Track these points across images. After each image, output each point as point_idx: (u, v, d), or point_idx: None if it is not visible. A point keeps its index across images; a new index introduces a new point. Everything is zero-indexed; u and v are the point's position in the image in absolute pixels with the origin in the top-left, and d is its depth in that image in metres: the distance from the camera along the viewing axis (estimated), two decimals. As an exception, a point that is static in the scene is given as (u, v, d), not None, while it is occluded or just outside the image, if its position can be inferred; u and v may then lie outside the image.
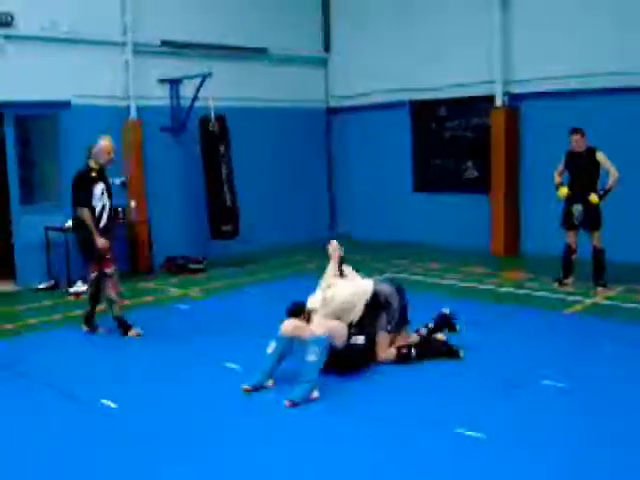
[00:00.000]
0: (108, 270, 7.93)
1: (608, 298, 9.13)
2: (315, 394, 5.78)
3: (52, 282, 10.98)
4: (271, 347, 6.12)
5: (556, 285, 9.90)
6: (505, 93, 12.23)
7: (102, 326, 8.25)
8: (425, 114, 13.84)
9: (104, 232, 7.82)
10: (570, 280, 9.92)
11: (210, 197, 12.27)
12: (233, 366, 6.75)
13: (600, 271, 9.64)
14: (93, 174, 7.82)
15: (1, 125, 11.05)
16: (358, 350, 6.36)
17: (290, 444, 5.00)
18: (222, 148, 12.04)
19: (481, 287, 10.17)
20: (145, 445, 5.08)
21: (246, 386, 5.99)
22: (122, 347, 7.69)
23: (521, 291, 9.83)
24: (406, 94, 13.78)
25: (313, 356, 5.80)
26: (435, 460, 4.68)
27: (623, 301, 8.94)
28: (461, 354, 6.76)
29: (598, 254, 9.60)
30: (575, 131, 9.53)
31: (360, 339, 6.37)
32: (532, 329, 7.81)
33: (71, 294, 10.44)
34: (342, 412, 5.59)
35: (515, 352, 6.98)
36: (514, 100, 12.32)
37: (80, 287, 10.55)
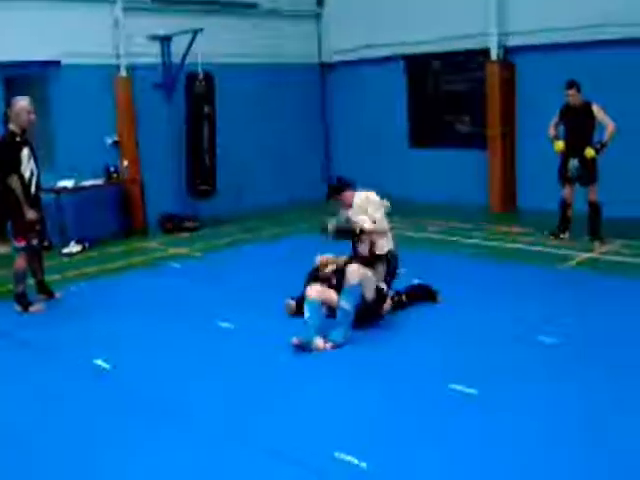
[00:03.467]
0: (35, 242, 7.60)
1: (605, 253, 9.09)
2: (325, 345, 5.92)
3: (46, 243, 10.87)
4: (307, 314, 6.13)
5: (552, 239, 9.86)
6: (500, 46, 12.03)
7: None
8: (420, 68, 13.66)
9: (33, 203, 7.44)
10: (566, 235, 9.88)
11: (190, 156, 12.20)
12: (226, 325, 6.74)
13: (596, 225, 9.59)
14: (17, 138, 7.37)
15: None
16: (382, 297, 6.44)
17: (286, 396, 5.05)
18: (207, 107, 11.89)
19: (475, 242, 10.13)
20: (138, 404, 5.08)
21: (295, 340, 5.92)
22: (111, 310, 7.49)
23: (516, 245, 9.79)
24: (401, 48, 13.54)
25: (346, 303, 6.03)
26: (427, 416, 4.69)
27: (620, 256, 8.89)
28: (439, 298, 6.86)
29: (594, 208, 9.55)
30: (570, 85, 9.40)
31: (383, 285, 6.45)
32: (526, 284, 7.78)
33: (65, 254, 10.38)
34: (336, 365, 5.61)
35: (508, 307, 6.95)
36: (510, 53, 12.12)
37: (74, 247, 10.52)
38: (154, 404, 5.08)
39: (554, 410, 4.67)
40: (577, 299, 7.17)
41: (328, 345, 5.95)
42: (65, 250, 10.50)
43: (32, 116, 7.50)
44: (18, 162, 7.32)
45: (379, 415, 4.75)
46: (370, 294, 6.27)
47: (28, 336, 6.77)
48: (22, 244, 7.46)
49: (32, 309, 7.59)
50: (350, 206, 6.99)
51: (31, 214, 7.36)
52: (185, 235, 11.62)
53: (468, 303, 7.07)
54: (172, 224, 12.01)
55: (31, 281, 7.94)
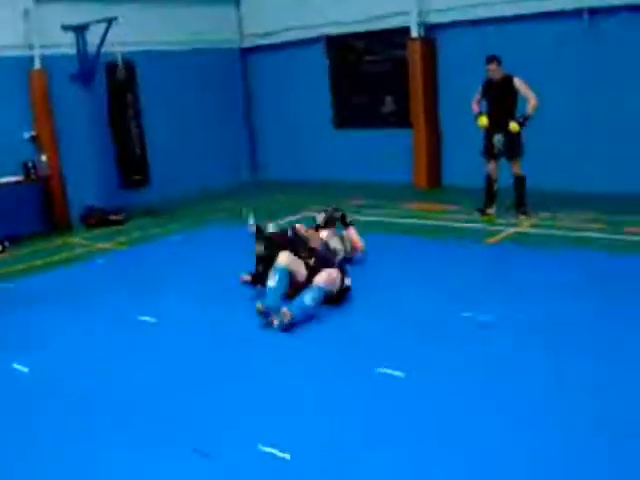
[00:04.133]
0: None
1: (532, 226, 9.14)
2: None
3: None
4: (273, 279, 6.24)
5: (478, 215, 9.89)
6: (420, 24, 11.98)
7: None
8: (342, 49, 13.53)
9: None
10: (492, 210, 9.91)
11: (118, 147, 11.91)
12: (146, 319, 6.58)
13: (521, 199, 9.65)
14: None
15: None
16: (347, 290, 6.57)
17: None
18: (129, 96, 11.62)
19: (400, 220, 10.12)
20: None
21: (259, 304, 6.01)
22: (28, 311, 7.17)
23: (442, 222, 9.77)
24: (322, 29, 13.45)
25: (310, 301, 6.10)
26: (355, 399, 4.63)
27: (546, 228, 8.94)
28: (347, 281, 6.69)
29: (519, 181, 9.60)
30: (490, 59, 9.40)
31: (348, 281, 6.57)
32: (451, 261, 7.75)
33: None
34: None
35: (432, 286, 6.90)
36: (430, 31, 12.10)
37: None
38: (74, 404, 4.89)
39: (479, 392, 4.64)
40: (502, 275, 7.18)
41: (289, 315, 5.90)
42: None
43: None
44: None
45: (306, 402, 4.65)
46: (335, 289, 6.42)
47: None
48: None
49: None
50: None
51: None
52: (111, 229, 11.30)
53: (394, 282, 7.05)
54: (96, 218, 11.68)
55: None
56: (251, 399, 4.76)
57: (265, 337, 5.91)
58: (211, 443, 4.20)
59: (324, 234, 7.45)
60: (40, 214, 11.61)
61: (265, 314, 6.04)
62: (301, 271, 6.54)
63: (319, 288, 6.21)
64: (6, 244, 10.41)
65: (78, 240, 10.73)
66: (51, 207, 11.64)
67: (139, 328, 6.39)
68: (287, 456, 3.98)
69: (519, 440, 3.98)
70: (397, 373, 4.91)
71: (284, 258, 6.44)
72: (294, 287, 6.49)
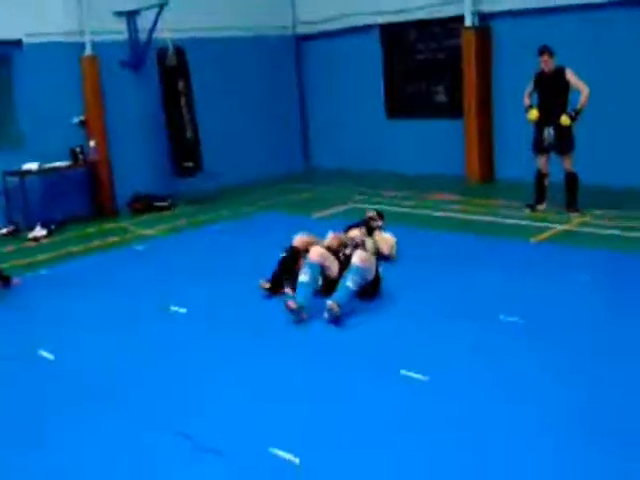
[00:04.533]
0: None
1: (582, 224, 8.80)
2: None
3: (12, 227, 10.65)
4: (305, 274, 6.10)
5: (527, 211, 9.59)
6: (475, 12, 11.65)
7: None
8: (395, 37, 13.29)
9: None
10: (542, 206, 9.60)
11: (171, 133, 11.87)
12: (177, 309, 6.52)
13: (573, 196, 9.31)
14: None
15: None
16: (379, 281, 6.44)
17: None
18: (181, 82, 11.58)
19: (445, 214, 9.88)
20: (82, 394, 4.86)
21: (290, 301, 5.91)
22: (63, 297, 7.23)
23: (490, 218, 9.50)
24: (376, 17, 13.23)
25: (352, 283, 5.95)
26: (377, 402, 4.47)
27: (598, 227, 8.58)
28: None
29: (571, 178, 9.26)
30: (542, 51, 9.08)
31: (380, 270, 6.46)
32: (497, 259, 7.49)
33: (30, 239, 10.12)
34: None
35: (474, 284, 6.67)
36: (485, 20, 11.77)
37: (39, 231, 10.25)
38: (93, 393, 4.87)
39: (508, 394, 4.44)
40: (544, 275, 6.88)
41: (335, 306, 5.79)
42: (30, 234, 10.22)
43: None
44: None
45: (322, 402, 4.52)
46: (371, 277, 6.23)
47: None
48: None
49: None
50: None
51: None
52: (157, 215, 11.33)
53: (430, 279, 6.88)
54: (142, 204, 11.73)
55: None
56: (268, 397, 4.65)
57: (291, 333, 5.78)
58: (221, 441, 4.10)
59: (356, 233, 7.29)
60: (87, 199, 11.71)
61: (295, 311, 5.90)
62: (333, 267, 6.38)
63: (357, 268, 6.01)
64: (52, 228, 10.50)
65: (121, 226, 10.78)
66: (98, 192, 11.72)
67: (169, 318, 6.35)
68: (297, 460, 3.85)
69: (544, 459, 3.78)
70: (421, 377, 4.73)
71: (316, 252, 6.29)
72: (326, 283, 6.35)
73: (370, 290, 6.34)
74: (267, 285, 6.67)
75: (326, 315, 5.84)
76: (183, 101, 11.66)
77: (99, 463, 4.01)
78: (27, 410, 4.76)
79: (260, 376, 4.99)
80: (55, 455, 4.14)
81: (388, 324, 5.85)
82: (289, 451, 3.93)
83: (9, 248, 9.58)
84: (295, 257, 6.66)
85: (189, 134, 11.76)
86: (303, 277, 6.12)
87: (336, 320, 5.81)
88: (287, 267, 6.62)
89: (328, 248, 6.51)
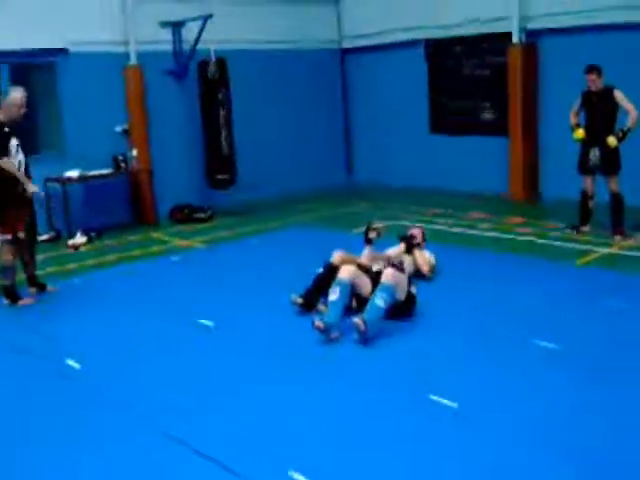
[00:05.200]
0: (22, 235, 7.26)
1: (626, 248, 8.56)
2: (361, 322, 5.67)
3: (53, 234, 10.72)
4: (335, 293, 5.98)
5: (571, 232, 9.37)
6: (522, 29, 11.48)
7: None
8: (441, 53, 13.17)
9: (22, 195, 7.20)
10: (587, 228, 9.37)
11: (207, 145, 11.91)
12: (206, 322, 6.46)
13: (618, 218, 9.06)
14: (6, 129, 7.11)
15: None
16: (413, 299, 6.35)
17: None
18: (221, 94, 11.58)
19: (487, 234, 9.70)
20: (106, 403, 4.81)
21: (318, 321, 5.76)
22: (97, 307, 7.20)
23: (533, 238, 9.29)
24: (421, 32, 13.11)
25: (381, 302, 5.83)
26: (402, 428, 4.33)
27: (640, 251, 8.37)
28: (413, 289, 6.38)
29: (616, 200, 9.02)
30: (590, 69, 8.87)
31: (413, 289, 6.38)
32: (537, 281, 7.27)
33: (70, 246, 10.18)
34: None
35: (512, 306, 6.50)
36: (532, 36, 11.58)
37: (79, 239, 10.31)
38: (116, 405, 4.82)
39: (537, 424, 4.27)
40: (585, 300, 6.67)
41: (361, 323, 5.65)
42: (70, 241, 10.27)
43: (22, 110, 7.27)
44: (6, 151, 7.09)
45: (345, 428, 4.39)
46: (402, 296, 6.11)
47: (7, 331, 6.60)
48: (8, 236, 7.21)
49: (21, 303, 7.38)
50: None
51: (32, 187, 7.22)
52: (196, 226, 11.34)
53: (467, 300, 6.69)
54: (183, 215, 11.75)
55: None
56: (291, 418, 4.54)
57: (319, 352, 5.66)
58: (242, 463, 4.00)
59: (394, 251, 7.17)
60: (128, 207, 11.77)
61: (324, 330, 5.78)
62: (365, 285, 6.26)
63: (386, 286, 5.90)
64: (92, 235, 10.55)
65: (160, 236, 10.79)
66: (139, 201, 11.76)
67: (197, 331, 6.28)
68: (315, 486, 3.75)
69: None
70: (450, 403, 4.58)
71: (347, 271, 6.17)
72: (359, 301, 6.24)
73: (404, 309, 6.22)
74: (300, 301, 6.54)
75: (355, 334, 5.72)
76: (221, 112, 11.66)
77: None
78: (46, 419, 4.72)
79: (284, 396, 4.88)
80: (76, 468, 4.09)
81: (420, 345, 5.71)
82: (309, 475, 3.81)
83: (49, 254, 9.61)
84: (332, 274, 6.46)
85: (224, 146, 11.75)
86: (332, 296, 5.99)
87: (365, 339, 5.68)
88: (323, 284, 6.48)
89: (359, 266, 6.39)
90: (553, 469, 3.80)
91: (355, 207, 12.20)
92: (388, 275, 5.99)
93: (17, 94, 7.25)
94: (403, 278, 6.18)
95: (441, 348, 5.60)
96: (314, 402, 4.77)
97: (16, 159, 7.18)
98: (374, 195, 13.27)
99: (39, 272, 8.02)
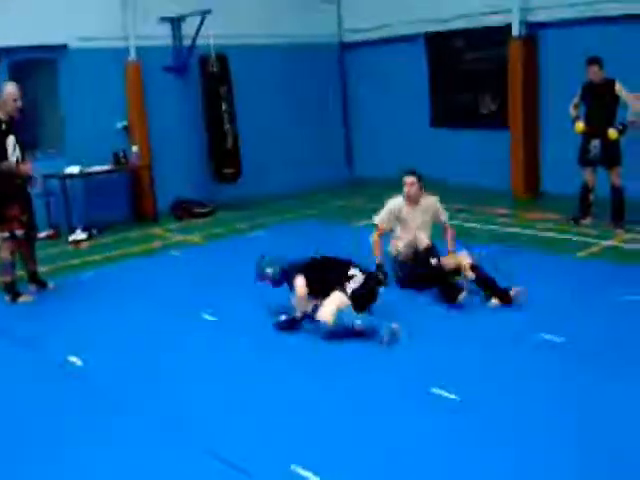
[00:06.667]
0: (19, 232, 7.26)
1: (628, 241, 8.52)
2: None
3: (53, 230, 10.71)
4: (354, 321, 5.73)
5: (571, 225, 9.35)
6: (522, 22, 11.44)
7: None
8: (441, 46, 13.12)
9: (19, 192, 7.22)
10: (587, 220, 9.37)
11: (211, 140, 11.88)
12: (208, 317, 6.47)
13: (619, 211, 9.05)
14: (3, 126, 7.11)
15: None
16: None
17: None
18: (223, 89, 11.59)
19: (486, 227, 9.70)
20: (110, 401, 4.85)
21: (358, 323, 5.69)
22: (96, 302, 7.22)
23: (533, 232, 9.29)
24: (421, 25, 13.05)
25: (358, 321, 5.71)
26: (404, 421, 4.34)
27: (641, 243, 8.36)
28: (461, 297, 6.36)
29: (617, 192, 9.02)
30: (592, 61, 8.86)
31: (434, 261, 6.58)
32: (539, 274, 7.21)
33: (70, 242, 10.18)
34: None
35: (517, 299, 6.47)
36: (532, 29, 11.53)
37: (80, 235, 10.31)
38: (118, 403, 4.83)
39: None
40: (591, 291, 6.67)
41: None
42: (71, 237, 10.28)
43: (18, 103, 7.25)
44: (5, 153, 7.08)
45: (347, 421, 4.40)
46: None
47: (8, 327, 6.59)
48: (5, 234, 7.22)
49: (21, 299, 7.39)
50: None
51: (27, 167, 7.23)
52: (195, 222, 11.33)
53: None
54: (183, 210, 11.75)
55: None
56: (292, 413, 4.55)
57: (320, 348, 5.67)
58: (244, 458, 4.01)
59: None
60: (128, 204, 11.78)
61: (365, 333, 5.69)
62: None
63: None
64: (94, 232, 10.56)
65: (160, 231, 10.80)
66: (139, 197, 11.77)
67: (200, 326, 6.29)
68: (317, 479, 3.75)
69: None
70: (452, 396, 4.58)
71: (326, 315, 5.81)
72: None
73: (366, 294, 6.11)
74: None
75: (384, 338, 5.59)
76: (224, 107, 11.67)
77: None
78: (48, 417, 4.72)
79: (286, 390, 4.89)
80: (76, 468, 4.09)
81: (422, 339, 5.70)
82: (311, 469, 3.82)
83: (49, 251, 9.60)
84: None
85: (229, 140, 11.76)
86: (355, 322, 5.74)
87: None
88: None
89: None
90: (558, 463, 3.81)
91: (356, 201, 12.19)
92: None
93: (11, 88, 7.23)
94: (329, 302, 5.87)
95: (443, 344, 5.59)
96: (314, 396, 4.78)
97: (13, 156, 7.17)
98: (374, 189, 13.21)
99: (40, 269, 8.01)
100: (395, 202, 7.30)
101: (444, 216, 7.43)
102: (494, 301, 6.39)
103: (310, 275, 6.03)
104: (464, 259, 6.72)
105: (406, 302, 6.63)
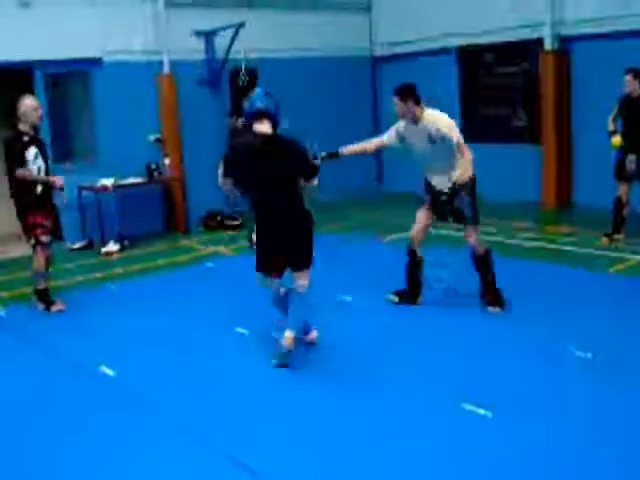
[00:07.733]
0: (44, 238, 7.33)
1: (661, 255, 8.47)
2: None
3: (86, 242, 10.83)
4: None
5: (605, 241, 9.25)
6: (554, 36, 11.40)
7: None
8: (472, 60, 13.11)
9: (42, 201, 7.30)
10: (620, 236, 9.26)
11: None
12: (242, 331, 6.48)
13: (654, 226, 8.98)
14: (25, 138, 7.22)
15: (32, 84, 10.76)
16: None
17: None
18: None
19: (518, 242, 9.63)
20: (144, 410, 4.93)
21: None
22: (128, 312, 7.30)
23: (563, 246, 9.22)
24: (453, 39, 13.07)
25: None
26: (435, 436, 4.33)
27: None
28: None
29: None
30: (626, 71, 8.79)
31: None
32: (568, 290, 7.21)
33: (103, 254, 10.27)
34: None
35: (548, 314, 6.46)
36: (564, 43, 11.49)
37: (112, 246, 10.40)
38: (150, 413, 4.89)
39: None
40: (623, 308, 6.59)
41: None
42: (104, 249, 10.38)
43: (39, 112, 7.39)
44: (23, 162, 7.17)
45: (367, 437, 4.40)
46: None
47: (41, 336, 6.68)
48: (31, 241, 7.33)
49: (54, 308, 7.48)
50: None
51: (56, 178, 7.32)
52: (228, 233, 11.39)
53: (507, 309, 6.67)
54: (215, 222, 11.83)
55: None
56: (321, 426, 4.56)
57: (350, 358, 5.67)
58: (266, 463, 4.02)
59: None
60: (161, 216, 11.85)
61: None
62: None
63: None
64: (126, 243, 10.64)
65: (193, 243, 10.86)
66: (172, 209, 11.85)
67: (232, 340, 6.31)
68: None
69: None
70: (485, 412, 4.55)
71: None
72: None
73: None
74: (396, 299, 7.06)
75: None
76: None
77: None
78: (79, 426, 4.78)
79: (314, 404, 4.92)
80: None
81: (452, 350, 5.68)
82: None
83: (82, 262, 9.71)
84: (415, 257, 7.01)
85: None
86: None
87: None
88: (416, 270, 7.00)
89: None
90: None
91: (386, 216, 12.18)
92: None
93: (29, 101, 7.36)
94: None
95: (475, 359, 5.57)
96: (343, 408, 4.79)
97: (35, 165, 7.27)
98: (406, 204, 13.17)
99: (73, 279, 8.09)
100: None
101: (448, 138, 6.58)
102: (492, 309, 6.60)
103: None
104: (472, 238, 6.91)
105: (426, 315, 6.62)
